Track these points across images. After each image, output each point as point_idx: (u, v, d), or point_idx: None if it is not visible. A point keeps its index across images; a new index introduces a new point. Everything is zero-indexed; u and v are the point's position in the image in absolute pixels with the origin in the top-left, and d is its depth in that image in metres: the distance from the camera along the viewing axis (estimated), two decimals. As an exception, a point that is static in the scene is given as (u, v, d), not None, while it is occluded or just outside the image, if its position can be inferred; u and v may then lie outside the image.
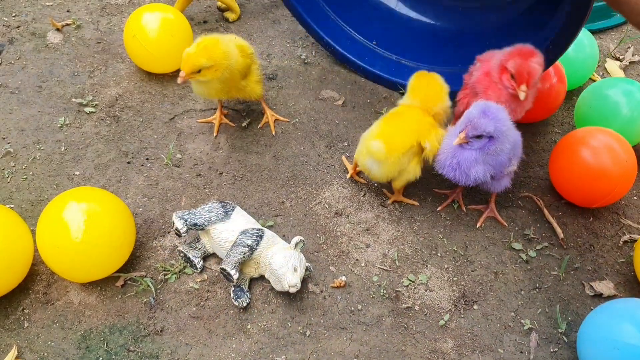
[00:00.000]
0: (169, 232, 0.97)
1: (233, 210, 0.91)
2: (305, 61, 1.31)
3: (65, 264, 0.84)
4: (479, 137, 0.86)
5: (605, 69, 1.32)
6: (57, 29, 1.35)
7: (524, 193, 1.06)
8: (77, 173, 1.05)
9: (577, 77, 1.16)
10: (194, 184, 1.04)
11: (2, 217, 0.85)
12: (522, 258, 0.97)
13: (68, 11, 1.42)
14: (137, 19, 1.19)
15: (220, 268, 0.84)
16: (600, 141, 0.98)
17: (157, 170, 1.06)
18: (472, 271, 0.95)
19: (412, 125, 0.94)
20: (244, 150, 1.11)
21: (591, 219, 1.03)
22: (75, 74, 1.24)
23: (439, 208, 1.03)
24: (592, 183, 0.97)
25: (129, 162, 1.08)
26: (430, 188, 1.06)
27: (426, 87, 0.99)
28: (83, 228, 0.82)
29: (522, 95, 0.90)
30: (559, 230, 1.00)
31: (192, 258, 0.91)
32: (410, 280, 0.92)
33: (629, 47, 1.37)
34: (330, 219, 1.00)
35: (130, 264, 0.93)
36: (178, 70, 1.11)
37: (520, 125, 1.09)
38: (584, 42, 1.14)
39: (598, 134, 0.99)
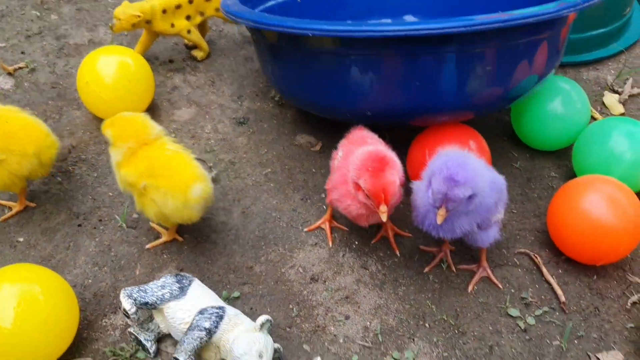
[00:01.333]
0: (120, 308, 0.85)
1: (190, 284, 0.80)
2: (280, 102, 1.21)
3: (-5, 356, 0.73)
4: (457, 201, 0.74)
5: (603, 103, 1.23)
6: (9, 73, 1.25)
7: (520, 249, 0.95)
8: (21, 239, 0.94)
9: (567, 135, 1.06)
10: (151, 249, 0.93)
11: None
12: (519, 326, 0.86)
13: (22, 52, 1.32)
14: (92, 63, 1.09)
15: (174, 357, 0.73)
16: (603, 192, 0.87)
17: (110, 233, 0.95)
18: (464, 344, 0.83)
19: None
20: (208, 208, 1.00)
21: (595, 277, 0.92)
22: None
23: (426, 269, 0.92)
24: (594, 240, 0.86)
25: (79, 225, 0.97)
26: (417, 245, 0.95)
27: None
28: (14, 315, 0.71)
29: (383, 217, 0.77)
30: (559, 292, 0.89)
31: (143, 341, 0.79)
32: (395, 359, 0.81)
33: (627, 79, 1.28)
34: (305, 285, 0.89)
35: (75, 348, 0.81)
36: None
37: (512, 169, 1.00)
38: (573, 97, 1.04)
39: (600, 184, 0.89)
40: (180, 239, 0.94)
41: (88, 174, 1.05)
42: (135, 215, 0.98)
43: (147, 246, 0.93)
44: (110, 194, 1.01)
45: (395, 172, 0.78)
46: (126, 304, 0.76)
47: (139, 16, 1.16)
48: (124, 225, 0.96)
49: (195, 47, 1.31)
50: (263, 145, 1.12)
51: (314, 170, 1.07)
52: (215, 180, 1.02)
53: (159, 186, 0.83)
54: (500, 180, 0.80)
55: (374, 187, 0.77)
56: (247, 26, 0.98)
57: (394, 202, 0.79)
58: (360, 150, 0.81)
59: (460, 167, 0.72)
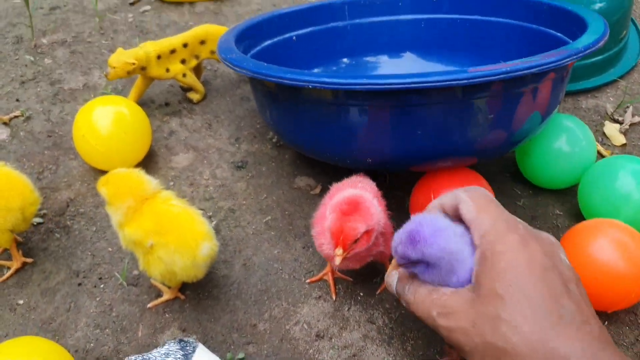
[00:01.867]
0: (123, 375, 0.84)
1: (194, 351, 0.78)
2: (278, 144, 1.20)
3: None
4: (414, 262, 0.67)
5: (604, 133, 1.22)
6: (4, 123, 1.24)
7: (528, 294, 0.93)
8: (21, 302, 0.92)
9: (573, 174, 1.04)
10: (152, 308, 0.92)
11: None
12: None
13: (17, 100, 1.30)
14: (87, 115, 1.07)
15: None
16: (611, 237, 0.86)
17: (111, 292, 0.93)
18: (476, 399, 0.81)
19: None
20: (210, 259, 0.98)
21: (606, 322, 0.90)
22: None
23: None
24: (604, 286, 0.85)
25: (79, 284, 0.95)
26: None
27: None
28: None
29: (336, 260, 0.74)
30: (571, 339, 0.87)
31: (148, 412, 0.78)
32: (406, 419, 0.79)
33: (628, 107, 1.27)
34: (311, 343, 0.87)
35: (78, 418, 0.79)
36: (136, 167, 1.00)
37: (515, 207, 0.99)
38: (578, 135, 1.03)
39: (608, 228, 0.87)
40: (182, 297, 0.92)
41: (87, 228, 1.03)
42: (135, 272, 0.96)
43: (149, 305, 0.91)
44: (110, 249, 1.00)
45: (362, 220, 0.75)
46: (128, 376, 0.75)
47: (133, 64, 1.14)
48: (125, 283, 0.94)
49: (191, 89, 1.30)
50: (262, 189, 1.10)
51: (314, 215, 1.06)
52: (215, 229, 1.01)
53: (168, 244, 0.82)
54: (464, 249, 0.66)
55: (334, 228, 0.75)
56: (245, 75, 0.96)
57: (357, 249, 0.77)
58: (344, 193, 0.80)
59: (429, 229, 0.65)
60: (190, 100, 1.29)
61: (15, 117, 1.25)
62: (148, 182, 0.86)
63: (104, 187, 0.86)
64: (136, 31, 1.51)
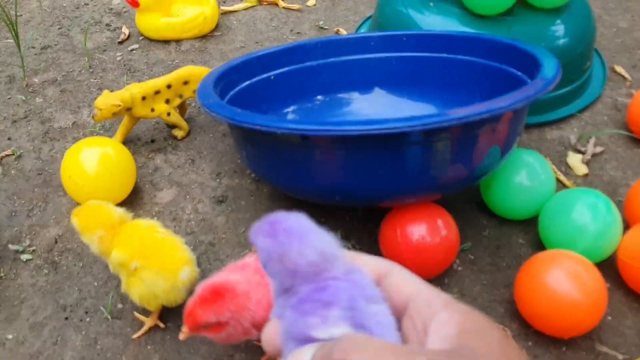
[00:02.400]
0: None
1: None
2: (256, 179, 1.26)
3: None
4: None
5: (567, 164, 1.28)
6: (-4, 161, 1.30)
7: (491, 322, 0.99)
8: (10, 337, 0.98)
9: (533, 206, 1.10)
10: (135, 340, 0.97)
11: None
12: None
13: (9, 139, 1.36)
14: (74, 156, 1.13)
15: None
16: (565, 267, 0.92)
17: (96, 325, 0.99)
18: None
19: None
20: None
21: (564, 348, 0.96)
22: (13, 214, 1.18)
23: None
24: (559, 314, 0.90)
25: (66, 318, 1.00)
26: None
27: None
28: None
29: (180, 336, 0.79)
30: (530, 364, 0.93)
31: None
32: None
33: (590, 138, 1.33)
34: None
35: None
36: (123, 203, 1.06)
37: (481, 237, 1.03)
38: (537, 170, 1.09)
39: (562, 259, 0.93)
40: (162, 325, 0.98)
41: (74, 263, 1.09)
42: (120, 306, 1.01)
43: (134, 336, 0.96)
44: (96, 283, 1.05)
45: (210, 310, 0.78)
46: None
47: (119, 105, 1.21)
48: (109, 316, 1.00)
49: (175, 126, 1.36)
50: (241, 223, 1.16)
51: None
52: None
53: (151, 267, 0.89)
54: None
55: (187, 308, 0.79)
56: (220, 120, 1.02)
57: (210, 334, 0.80)
58: (216, 278, 0.83)
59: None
60: (174, 137, 1.35)
61: (7, 155, 1.31)
62: (115, 211, 0.95)
63: (75, 217, 0.94)
64: (124, 69, 1.58)
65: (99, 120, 1.21)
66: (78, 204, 1.19)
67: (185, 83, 1.30)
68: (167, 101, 1.29)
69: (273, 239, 0.36)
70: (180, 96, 1.31)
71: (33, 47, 1.68)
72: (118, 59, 1.62)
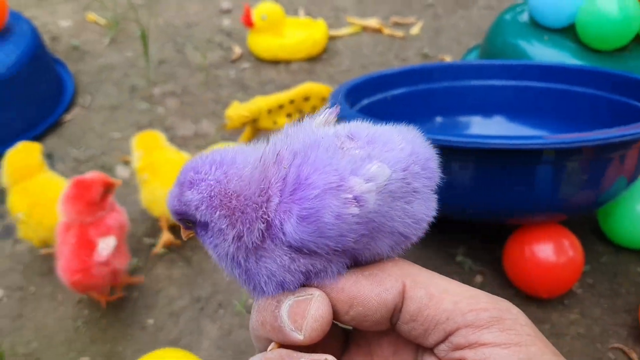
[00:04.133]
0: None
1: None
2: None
3: None
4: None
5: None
6: (125, 162, 1.38)
7: (614, 344, 1.00)
8: (151, 322, 1.04)
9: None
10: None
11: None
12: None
13: (135, 143, 1.45)
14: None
15: None
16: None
17: (229, 317, 1.04)
18: None
19: None
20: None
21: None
22: (144, 210, 1.25)
23: None
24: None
25: (201, 309, 1.06)
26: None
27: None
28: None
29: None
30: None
31: None
32: None
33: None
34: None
35: None
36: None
37: (598, 264, 1.04)
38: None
39: None
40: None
41: (205, 260, 1.15)
42: (250, 301, 1.07)
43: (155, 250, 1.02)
44: (228, 279, 1.11)
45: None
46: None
47: (247, 116, 1.28)
48: (243, 310, 1.05)
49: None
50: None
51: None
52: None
53: (155, 179, 1.13)
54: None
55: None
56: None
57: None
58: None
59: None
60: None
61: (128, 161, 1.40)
62: (161, 139, 1.22)
63: (135, 140, 1.20)
64: (238, 86, 1.67)
65: (229, 129, 1.29)
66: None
67: (306, 99, 1.37)
68: (289, 115, 1.36)
69: (202, 182, 0.30)
70: (300, 112, 1.38)
71: (151, 61, 1.79)
72: (231, 76, 1.71)
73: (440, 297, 0.30)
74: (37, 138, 1.44)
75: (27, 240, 1.09)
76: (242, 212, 0.29)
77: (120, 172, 1.36)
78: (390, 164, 0.29)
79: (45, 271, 1.13)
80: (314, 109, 1.39)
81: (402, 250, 0.32)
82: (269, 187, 0.29)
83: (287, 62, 1.76)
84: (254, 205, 0.29)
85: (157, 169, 1.14)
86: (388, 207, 0.29)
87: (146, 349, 0.99)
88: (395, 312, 0.31)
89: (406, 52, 1.82)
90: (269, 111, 1.32)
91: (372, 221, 0.29)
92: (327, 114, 0.33)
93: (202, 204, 0.31)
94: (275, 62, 1.77)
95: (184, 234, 0.36)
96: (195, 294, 1.09)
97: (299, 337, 0.30)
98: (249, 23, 1.72)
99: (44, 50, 1.54)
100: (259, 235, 0.30)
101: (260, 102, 1.32)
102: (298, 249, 0.29)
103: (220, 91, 1.65)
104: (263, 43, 1.75)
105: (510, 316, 0.30)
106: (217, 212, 0.30)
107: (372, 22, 1.96)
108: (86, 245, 0.94)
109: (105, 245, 0.95)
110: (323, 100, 1.39)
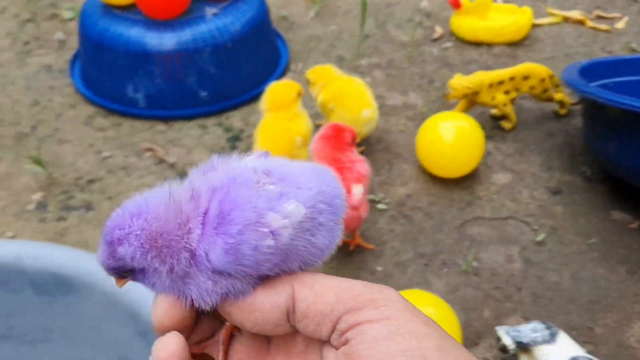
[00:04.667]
0: (498, 343, 0.96)
1: (558, 333, 0.89)
2: (589, 178, 1.29)
3: None
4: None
5: None
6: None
7: None
8: (379, 269, 1.10)
9: None
10: (493, 295, 1.04)
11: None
12: None
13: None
14: (432, 127, 1.25)
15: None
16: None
17: (455, 276, 1.08)
18: None
19: None
20: (539, 266, 1.09)
21: None
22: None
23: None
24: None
25: (426, 265, 1.10)
26: None
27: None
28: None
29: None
30: None
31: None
32: None
33: None
34: (648, 355, 0.95)
35: None
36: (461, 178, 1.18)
37: None
38: None
39: None
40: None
41: (424, 220, 1.19)
42: (474, 264, 1.10)
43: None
44: (449, 241, 1.15)
45: None
46: (506, 340, 0.87)
47: (470, 88, 1.30)
48: (469, 270, 1.08)
49: (502, 118, 1.44)
50: (579, 216, 1.20)
51: (635, 247, 1.13)
52: (538, 242, 1.12)
53: (341, 108, 1.26)
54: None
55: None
56: (597, 101, 1.07)
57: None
58: None
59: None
60: (502, 128, 1.43)
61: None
62: (334, 71, 1.31)
63: (309, 74, 1.31)
64: (442, 63, 1.70)
65: (451, 99, 1.32)
66: (421, 170, 1.30)
67: (526, 78, 1.38)
68: (507, 92, 1.37)
69: (129, 236, 0.32)
70: (517, 90, 1.39)
71: (355, 35, 1.86)
72: (435, 54, 1.74)
73: (324, 293, 0.33)
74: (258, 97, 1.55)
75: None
76: (168, 247, 0.32)
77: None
78: (300, 201, 0.33)
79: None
80: (531, 89, 1.39)
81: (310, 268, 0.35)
82: (187, 221, 0.32)
83: (488, 45, 1.77)
84: (176, 237, 0.32)
85: (341, 96, 1.26)
86: (296, 240, 0.33)
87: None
88: (290, 314, 0.34)
89: (612, 46, 1.76)
90: (490, 85, 1.34)
91: (283, 252, 0.32)
92: (256, 156, 0.36)
93: (136, 254, 0.33)
94: (476, 44, 1.78)
95: (119, 283, 0.36)
96: (418, 250, 1.13)
97: None
98: (456, 4, 1.75)
99: (268, 18, 1.65)
100: (187, 263, 0.33)
101: (482, 76, 1.34)
102: (220, 273, 0.32)
103: (424, 67, 1.69)
104: (467, 24, 1.77)
105: (382, 295, 0.33)
106: (149, 255, 0.33)
107: (575, 13, 1.91)
108: (341, 187, 1.00)
109: (357, 191, 1.01)
110: (542, 81, 1.39)
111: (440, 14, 1.93)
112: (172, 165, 1.34)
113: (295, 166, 0.35)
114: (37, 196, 1.26)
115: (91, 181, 1.30)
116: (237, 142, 1.40)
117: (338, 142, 1.05)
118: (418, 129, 1.34)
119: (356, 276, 1.08)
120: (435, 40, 1.82)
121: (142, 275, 0.35)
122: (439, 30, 1.85)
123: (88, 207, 1.24)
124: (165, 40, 1.42)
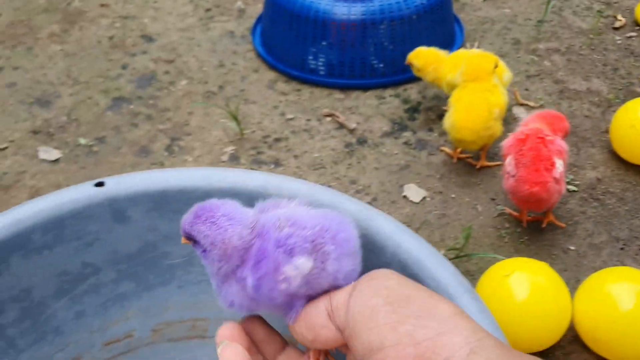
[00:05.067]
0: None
1: None
2: None
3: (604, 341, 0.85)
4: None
5: None
6: (522, 104, 1.43)
7: None
8: (572, 248, 1.07)
9: None
10: None
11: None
12: None
13: (526, 89, 1.49)
14: (635, 108, 1.20)
15: None
16: None
17: None
18: None
19: None
20: None
21: None
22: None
23: None
24: None
25: (621, 249, 1.07)
26: None
27: None
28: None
29: None
30: None
31: None
32: None
33: None
34: None
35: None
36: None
37: None
38: None
39: None
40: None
41: (618, 205, 1.15)
42: (676, 253, 1.05)
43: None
44: (648, 227, 1.10)
45: None
46: None
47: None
48: (671, 258, 1.03)
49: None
50: None
51: None
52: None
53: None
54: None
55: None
56: None
57: None
58: None
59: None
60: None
61: (532, 105, 1.44)
62: (439, 52, 1.31)
63: (414, 59, 1.32)
64: (626, 52, 1.62)
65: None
66: (613, 155, 1.25)
67: None
68: None
69: (213, 224, 0.44)
70: None
71: (530, 19, 1.82)
72: (618, 42, 1.67)
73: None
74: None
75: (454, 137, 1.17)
76: (228, 260, 0.44)
77: (518, 113, 1.41)
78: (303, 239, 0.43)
79: (461, 183, 1.22)
80: None
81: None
82: (244, 254, 0.44)
83: (679, 36, 1.67)
84: (236, 259, 0.44)
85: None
86: (310, 276, 0.43)
87: (570, 270, 1.03)
88: (330, 313, 0.43)
89: None
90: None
91: (303, 284, 0.44)
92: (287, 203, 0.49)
93: (207, 239, 0.44)
94: (664, 35, 1.69)
95: (184, 241, 0.47)
96: (613, 234, 1.09)
97: None
98: (646, -8, 1.66)
99: (448, -5, 1.65)
100: (231, 271, 0.45)
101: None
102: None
103: (607, 54, 1.62)
104: (657, 14, 1.68)
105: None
106: (215, 250, 0.44)
107: None
108: (545, 159, 0.99)
109: (559, 165, 0.99)
110: None
111: (622, 3, 1.84)
112: (352, 131, 1.38)
113: (307, 213, 0.45)
114: (229, 149, 1.34)
115: (277, 140, 1.36)
116: (416, 113, 1.42)
117: (551, 123, 1.04)
118: (604, 115, 1.29)
119: (548, 253, 1.07)
120: (617, 29, 1.74)
121: (204, 252, 0.45)
122: (621, 19, 1.77)
123: (277, 163, 1.29)
124: (354, 10, 1.46)
